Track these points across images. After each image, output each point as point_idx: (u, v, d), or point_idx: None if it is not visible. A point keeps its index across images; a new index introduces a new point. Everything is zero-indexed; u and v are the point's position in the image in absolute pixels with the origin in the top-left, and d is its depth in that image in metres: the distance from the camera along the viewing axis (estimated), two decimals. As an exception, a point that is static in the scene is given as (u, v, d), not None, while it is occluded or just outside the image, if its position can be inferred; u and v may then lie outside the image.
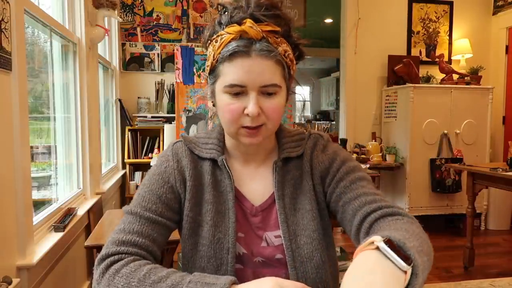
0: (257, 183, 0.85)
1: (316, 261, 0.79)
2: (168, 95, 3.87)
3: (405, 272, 0.53)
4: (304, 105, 1.01)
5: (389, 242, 0.55)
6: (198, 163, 0.85)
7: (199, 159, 0.85)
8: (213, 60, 0.77)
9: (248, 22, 0.73)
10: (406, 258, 0.54)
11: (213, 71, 0.79)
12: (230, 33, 0.74)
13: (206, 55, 0.82)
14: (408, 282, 0.54)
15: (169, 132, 3.27)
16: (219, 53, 0.75)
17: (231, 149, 0.87)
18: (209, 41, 0.80)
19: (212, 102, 0.83)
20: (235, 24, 0.74)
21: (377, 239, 0.56)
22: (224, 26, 0.76)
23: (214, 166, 0.84)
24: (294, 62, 0.81)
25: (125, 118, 3.79)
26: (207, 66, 0.80)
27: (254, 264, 0.81)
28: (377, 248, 0.55)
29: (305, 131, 0.91)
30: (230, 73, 0.74)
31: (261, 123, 0.76)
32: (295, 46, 0.80)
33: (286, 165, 0.85)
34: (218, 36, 0.76)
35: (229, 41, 0.74)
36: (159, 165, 0.85)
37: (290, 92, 0.83)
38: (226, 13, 0.77)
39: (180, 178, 0.82)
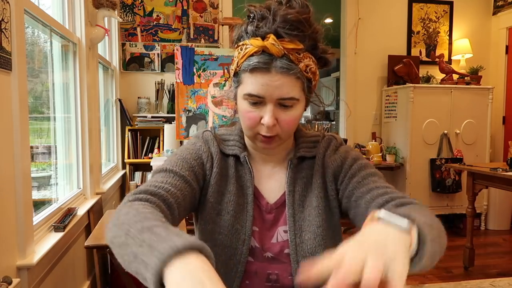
0: (273, 181, 0.89)
1: (319, 257, 0.80)
2: (168, 95, 3.87)
3: (409, 232, 0.55)
4: (324, 112, 1.05)
5: (388, 212, 0.57)
6: (224, 156, 0.89)
7: (223, 153, 0.90)
8: (237, 66, 0.79)
9: (271, 39, 0.73)
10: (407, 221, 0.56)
11: (237, 76, 0.81)
12: (253, 46, 0.75)
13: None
14: (416, 249, 0.56)
15: (169, 132, 3.27)
16: (242, 62, 0.77)
17: (250, 148, 0.91)
18: (236, 45, 0.82)
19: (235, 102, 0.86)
20: (259, 38, 0.75)
21: (377, 212, 0.58)
22: (250, 36, 0.77)
23: (237, 162, 0.89)
24: (317, 73, 0.81)
25: (125, 118, 3.79)
26: (232, 69, 0.83)
27: (264, 259, 0.84)
28: (379, 219, 0.57)
29: (320, 133, 0.93)
30: (250, 84, 0.77)
31: (276, 133, 0.79)
32: (320, 57, 0.81)
33: (300, 164, 0.89)
34: (243, 44, 0.78)
35: (252, 54, 0.75)
36: (192, 143, 0.89)
37: (310, 101, 0.86)
38: (253, 22, 0.77)
39: (210, 160, 0.86)
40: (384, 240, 0.51)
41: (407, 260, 0.51)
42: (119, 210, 0.65)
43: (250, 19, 0.78)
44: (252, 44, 0.75)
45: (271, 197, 0.88)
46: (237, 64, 0.79)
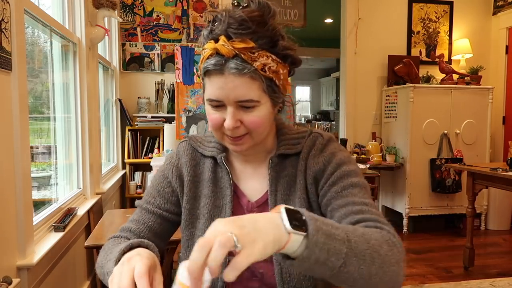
0: (255, 180, 0.88)
1: None
2: (168, 95, 3.87)
3: (289, 233, 0.55)
4: (294, 110, 1.02)
5: (293, 211, 0.58)
6: (201, 160, 0.90)
7: (202, 156, 0.90)
8: (200, 72, 0.79)
9: (221, 40, 0.72)
10: (300, 227, 0.56)
11: (203, 81, 0.81)
12: (208, 49, 0.74)
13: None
14: (296, 251, 0.57)
15: (169, 132, 3.27)
16: (202, 67, 0.77)
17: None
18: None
19: None
20: (212, 41, 0.74)
21: (281, 206, 0.58)
22: (206, 40, 0.76)
23: (215, 163, 0.89)
24: (281, 72, 0.77)
25: (125, 118, 3.79)
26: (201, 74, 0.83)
27: None
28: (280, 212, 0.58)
29: (306, 130, 0.90)
30: (209, 88, 0.77)
31: (243, 133, 0.78)
32: (284, 55, 0.77)
33: (283, 162, 0.86)
34: (203, 49, 0.77)
35: (208, 58, 0.75)
36: (164, 164, 0.93)
37: (280, 101, 0.82)
38: (208, 26, 0.77)
39: (177, 174, 0.89)
40: (254, 223, 0.54)
41: (265, 246, 0.53)
42: (103, 248, 0.82)
43: (208, 24, 0.77)
44: (207, 47, 0.75)
45: (253, 196, 0.86)
46: (200, 69, 0.79)
